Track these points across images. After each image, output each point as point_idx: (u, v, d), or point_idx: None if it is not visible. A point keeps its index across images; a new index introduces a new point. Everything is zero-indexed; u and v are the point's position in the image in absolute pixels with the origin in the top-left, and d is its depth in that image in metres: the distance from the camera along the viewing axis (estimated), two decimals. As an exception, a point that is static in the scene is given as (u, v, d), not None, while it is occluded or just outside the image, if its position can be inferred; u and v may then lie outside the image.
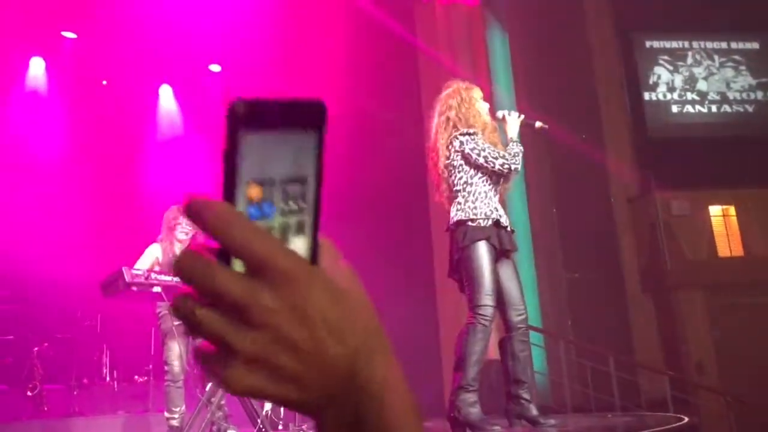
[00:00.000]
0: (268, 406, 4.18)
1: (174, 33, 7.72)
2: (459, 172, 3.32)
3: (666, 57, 9.01)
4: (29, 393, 5.84)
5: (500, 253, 3.26)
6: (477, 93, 3.50)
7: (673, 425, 3.22)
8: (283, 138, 0.38)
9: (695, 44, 9.12)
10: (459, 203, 3.29)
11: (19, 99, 7.78)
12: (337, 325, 0.39)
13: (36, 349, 6.14)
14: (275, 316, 0.37)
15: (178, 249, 4.48)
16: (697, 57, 9.11)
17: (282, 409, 4.35)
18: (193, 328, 0.38)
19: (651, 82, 8.88)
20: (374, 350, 0.41)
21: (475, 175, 3.31)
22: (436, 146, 3.43)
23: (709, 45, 9.16)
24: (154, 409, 5.88)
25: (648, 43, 8.99)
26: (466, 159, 3.30)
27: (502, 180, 3.41)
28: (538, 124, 3.50)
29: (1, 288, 6.63)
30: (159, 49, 7.83)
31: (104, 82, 8.09)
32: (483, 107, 3.48)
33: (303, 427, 4.60)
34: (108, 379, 6.40)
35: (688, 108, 8.90)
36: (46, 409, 5.84)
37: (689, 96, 8.96)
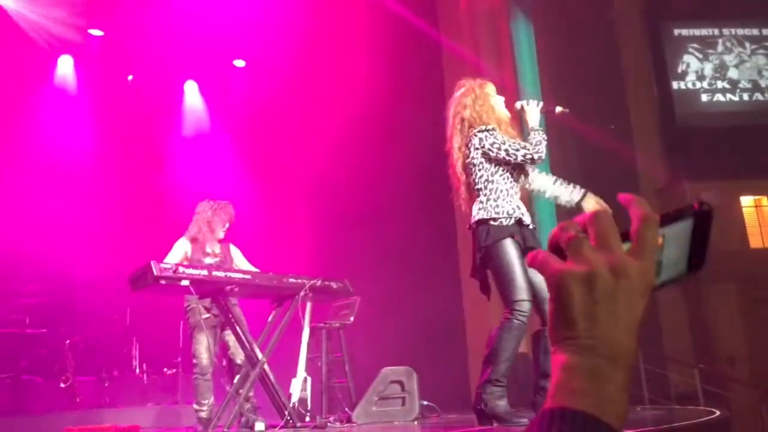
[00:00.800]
0: (295, 398, 4.21)
1: (199, 29, 7.79)
2: (479, 170, 3.29)
3: (695, 45, 8.84)
4: (62, 384, 5.96)
5: (524, 251, 3.23)
6: (490, 88, 3.45)
7: (704, 419, 3.16)
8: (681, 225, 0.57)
9: (726, 31, 8.93)
10: (481, 202, 3.26)
11: (48, 97, 7.91)
12: (629, 320, 0.51)
13: (68, 341, 6.26)
14: (608, 274, 0.51)
15: (209, 246, 4.52)
16: (728, 44, 8.92)
17: (309, 400, 4.37)
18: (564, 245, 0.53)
19: (680, 70, 8.73)
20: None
21: (496, 172, 3.27)
22: (453, 147, 3.40)
23: (741, 32, 8.96)
24: (183, 401, 5.96)
25: (677, 31, 8.83)
26: (487, 156, 3.26)
27: (523, 176, 3.37)
28: (558, 109, 3.45)
29: (34, 283, 6.77)
30: (184, 46, 7.90)
31: (130, 77, 8.18)
32: (498, 102, 3.44)
33: (330, 418, 4.62)
34: (138, 371, 6.50)
35: (719, 96, 8.73)
36: (78, 400, 5.95)
37: (720, 84, 8.78)
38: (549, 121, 3.47)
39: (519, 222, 3.23)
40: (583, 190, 3.45)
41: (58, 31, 7.58)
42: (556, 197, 3.47)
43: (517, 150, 3.23)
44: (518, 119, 3.47)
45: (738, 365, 7.19)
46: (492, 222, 3.20)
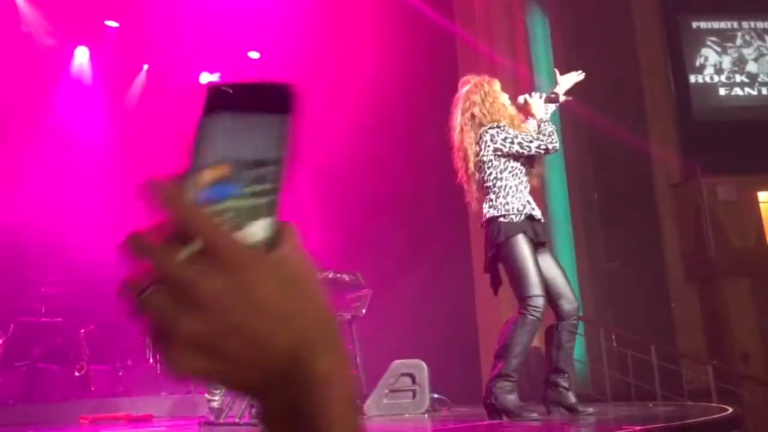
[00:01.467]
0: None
1: (213, 21, 7.80)
2: (489, 168, 3.29)
3: (713, 38, 8.73)
4: (77, 373, 6.03)
5: (537, 246, 3.23)
6: (497, 85, 3.47)
7: (717, 416, 3.14)
8: (251, 120, 0.39)
9: (745, 24, 8.81)
10: (491, 199, 3.27)
11: (65, 88, 7.97)
12: (284, 313, 0.39)
13: (83, 331, 6.33)
14: (222, 299, 0.37)
15: None
16: (747, 37, 8.80)
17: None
18: (138, 309, 0.38)
19: (697, 64, 8.62)
20: (322, 342, 0.40)
21: (505, 169, 3.28)
22: (463, 145, 3.39)
23: (760, 25, 8.83)
24: (197, 391, 6.01)
25: (695, 24, 8.72)
26: (498, 152, 3.26)
27: (533, 170, 3.36)
28: (561, 97, 3.45)
29: (50, 273, 6.85)
30: (198, 37, 7.92)
31: (145, 66, 8.22)
32: (506, 99, 3.44)
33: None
34: (151, 360, 6.56)
35: (737, 90, 8.62)
36: (93, 388, 6.03)
37: (738, 78, 8.67)
38: (563, 115, 3.45)
39: (530, 217, 3.23)
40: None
41: (75, 22, 7.63)
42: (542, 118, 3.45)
43: (531, 142, 3.22)
44: (524, 114, 3.46)
45: (752, 362, 7.13)
46: (502, 219, 3.21)
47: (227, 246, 0.38)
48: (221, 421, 4.12)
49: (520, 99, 3.48)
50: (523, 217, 3.21)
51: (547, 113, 3.39)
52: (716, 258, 7.50)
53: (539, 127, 3.32)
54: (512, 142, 3.24)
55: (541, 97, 3.43)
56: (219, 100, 0.38)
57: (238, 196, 0.38)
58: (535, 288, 3.11)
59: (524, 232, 3.18)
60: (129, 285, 0.38)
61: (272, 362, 0.39)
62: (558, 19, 8.57)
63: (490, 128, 3.28)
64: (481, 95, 3.39)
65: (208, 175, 0.38)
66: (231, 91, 0.38)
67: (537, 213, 3.28)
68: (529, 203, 3.27)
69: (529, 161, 3.33)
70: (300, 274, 0.41)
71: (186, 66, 8.31)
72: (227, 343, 0.37)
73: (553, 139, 3.24)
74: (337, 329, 0.42)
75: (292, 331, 0.39)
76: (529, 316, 3.10)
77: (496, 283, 3.35)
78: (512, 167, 3.28)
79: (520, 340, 3.10)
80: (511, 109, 3.43)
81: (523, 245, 3.16)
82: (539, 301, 3.11)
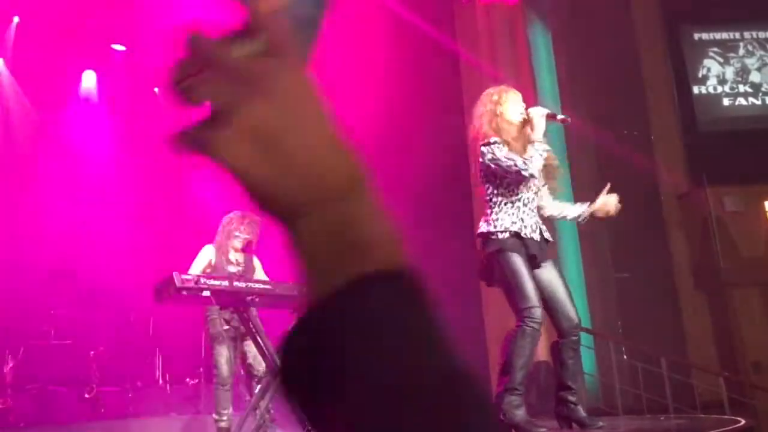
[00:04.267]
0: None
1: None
2: (486, 183, 3.32)
3: (716, 49, 8.76)
4: (86, 395, 6.03)
5: (531, 259, 3.22)
6: (506, 96, 3.39)
7: (729, 428, 3.12)
8: None
9: (747, 34, 8.84)
10: (486, 214, 3.31)
11: (73, 111, 8.05)
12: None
13: (92, 352, 6.34)
14: (293, 92, 0.38)
15: (232, 255, 4.57)
16: (749, 47, 8.83)
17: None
18: (184, 93, 0.38)
19: (700, 75, 8.65)
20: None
21: (500, 185, 3.29)
22: (474, 153, 3.47)
23: (762, 35, 8.86)
24: (206, 411, 6.00)
25: (697, 36, 8.75)
26: (488, 169, 3.28)
27: (531, 190, 3.34)
28: (560, 116, 3.44)
29: (59, 294, 6.87)
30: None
31: (156, 89, 8.30)
32: (513, 110, 3.38)
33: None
34: (161, 381, 6.56)
35: (741, 101, 8.63)
36: (102, 410, 6.02)
37: (741, 88, 8.68)
38: (568, 127, 3.45)
39: (516, 234, 3.22)
40: (587, 204, 3.50)
41: (82, 46, 7.72)
42: (565, 216, 3.51)
43: (510, 166, 3.19)
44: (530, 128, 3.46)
45: (764, 372, 7.06)
46: (491, 236, 3.23)
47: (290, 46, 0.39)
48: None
49: (523, 113, 3.47)
50: (508, 234, 3.21)
51: (544, 130, 3.35)
52: (725, 268, 7.47)
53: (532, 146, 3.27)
54: (497, 163, 3.22)
55: (542, 115, 3.37)
56: None
57: None
58: (531, 300, 3.11)
59: (510, 250, 3.18)
60: (183, 68, 0.39)
61: (333, 174, 0.39)
62: (560, 33, 8.62)
63: (483, 145, 3.29)
64: (482, 110, 3.40)
65: None
66: None
67: (527, 231, 3.25)
68: (522, 221, 3.24)
69: (524, 179, 3.29)
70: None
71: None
72: (289, 139, 0.37)
73: (529, 165, 3.15)
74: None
75: (352, 149, 0.40)
76: (527, 328, 3.10)
77: (488, 281, 3.39)
78: (506, 184, 3.29)
79: (522, 352, 3.09)
80: (516, 122, 3.39)
81: (513, 259, 3.17)
82: (536, 312, 3.11)
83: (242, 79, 0.37)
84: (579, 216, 3.51)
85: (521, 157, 3.19)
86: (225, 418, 4.42)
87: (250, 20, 0.39)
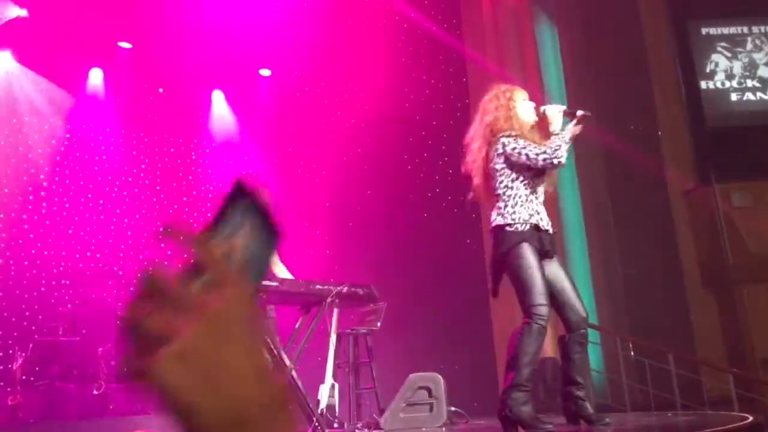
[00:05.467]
0: (323, 404, 4.23)
1: (224, 39, 7.89)
2: (500, 176, 3.29)
3: (723, 43, 8.70)
4: (95, 392, 6.06)
5: (542, 254, 3.22)
6: (518, 94, 3.44)
7: (738, 424, 3.11)
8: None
9: (755, 29, 8.78)
10: (499, 207, 3.28)
11: (80, 109, 8.07)
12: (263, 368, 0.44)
13: (100, 349, 6.36)
14: (223, 315, 0.42)
15: None
16: (757, 42, 8.76)
17: (337, 407, 4.39)
18: (133, 327, 0.42)
19: (708, 70, 8.60)
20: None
21: (516, 179, 3.27)
22: (476, 153, 3.41)
23: (770, 29, 8.80)
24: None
25: (704, 30, 8.70)
26: (509, 161, 3.27)
27: (543, 183, 3.35)
28: (579, 112, 3.43)
29: (67, 292, 6.91)
30: (210, 56, 8.01)
31: (161, 90, 8.32)
32: (525, 107, 3.42)
33: (358, 425, 4.64)
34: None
35: (749, 95, 8.57)
36: (111, 407, 6.05)
37: (749, 83, 8.62)
38: (578, 123, 3.42)
39: (536, 227, 3.22)
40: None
41: (89, 44, 7.74)
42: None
43: (538, 155, 3.22)
44: (544, 125, 3.46)
45: (773, 369, 7.03)
46: (507, 228, 3.21)
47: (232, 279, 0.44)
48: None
49: (540, 109, 3.48)
50: (528, 226, 3.21)
51: (562, 126, 3.38)
52: (733, 264, 7.44)
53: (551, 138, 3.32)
54: (520, 153, 3.24)
55: (560, 110, 3.42)
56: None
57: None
58: (540, 297, 3.10)
59: (529, 242, 3.17)
60: (133, 309, 0.43)
61: (256, 400, 0.41)
62: (566, 29, 8.59)
63: (501, 137, 3.30)
64: (496, 104, 3.40)
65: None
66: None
67: (544, 223, 3.27)
68: (538, 213, 3.26)
69: (541, 172, 3.32)
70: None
71: (198, 84, 8.40)
72: (219, 362, 0.40)
73: (558, 154, 3.21)
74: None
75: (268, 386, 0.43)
76: (535, 325, 3.09)
77: (496, 288, 3.36)
78: (523, 177, 3.28)
79: (528, 349, 3.09)
80: (525, 118, 3.42)
81: (528, 254, 3.15)
82: (543, 310, 3.10)
83: (186, 309, 0.42)
84: (570, 117, 3.46)
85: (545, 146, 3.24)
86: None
87: (200, 260, 0.45)
